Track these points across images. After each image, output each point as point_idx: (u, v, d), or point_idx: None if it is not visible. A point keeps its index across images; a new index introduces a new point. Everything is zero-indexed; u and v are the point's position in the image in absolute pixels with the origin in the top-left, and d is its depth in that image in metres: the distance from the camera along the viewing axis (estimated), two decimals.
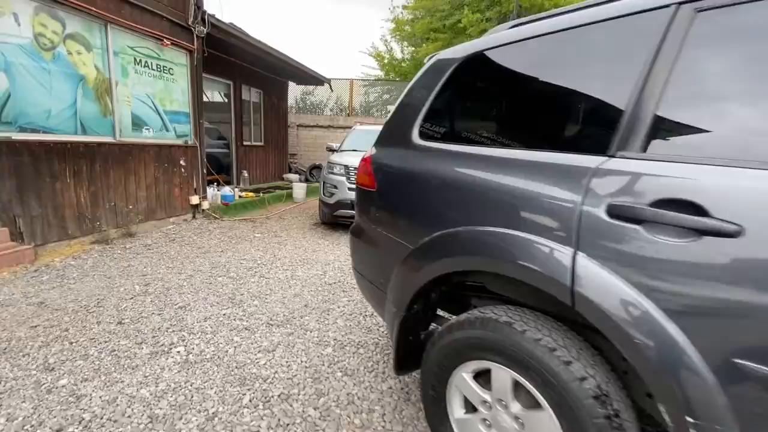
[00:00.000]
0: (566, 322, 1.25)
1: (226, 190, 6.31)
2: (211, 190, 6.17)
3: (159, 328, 2.57)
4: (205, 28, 5.58)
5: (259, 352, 2.35)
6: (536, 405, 1.22)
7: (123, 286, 3.26)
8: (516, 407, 1.27)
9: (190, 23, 5.41)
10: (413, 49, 22.96)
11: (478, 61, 1.54)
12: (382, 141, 1.92)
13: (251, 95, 8.62)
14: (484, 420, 1.39)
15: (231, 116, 7.93)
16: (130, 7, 4.56)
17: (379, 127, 8.16)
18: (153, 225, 5.12)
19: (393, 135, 1.85)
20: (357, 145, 6.41)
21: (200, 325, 2.64)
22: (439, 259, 1.41)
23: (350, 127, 12.13)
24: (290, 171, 11.01)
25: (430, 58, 1.92)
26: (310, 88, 12.64)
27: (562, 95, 1.28)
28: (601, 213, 1.04)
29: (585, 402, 1.05)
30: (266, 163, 9.50)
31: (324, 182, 5.58)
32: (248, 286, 3.37)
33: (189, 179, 5.67)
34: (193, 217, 5.80)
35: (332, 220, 5.63)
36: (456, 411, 1.49)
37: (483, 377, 1.41)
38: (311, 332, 2.63)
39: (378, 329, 2.72)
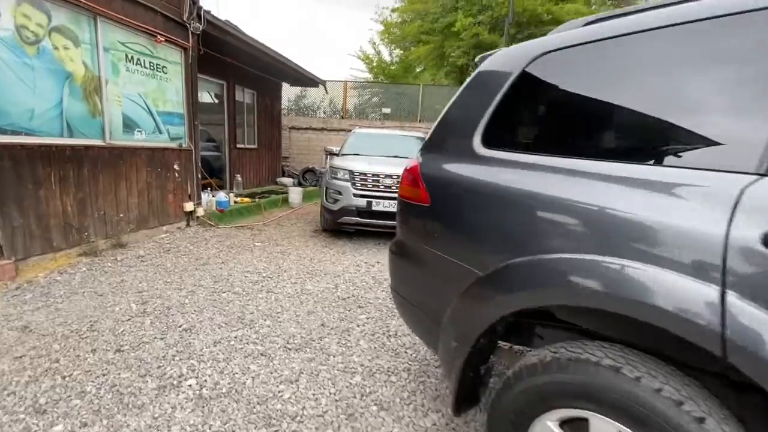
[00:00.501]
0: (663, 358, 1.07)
1: (221, 195, 6.00)
2: (205, 196, 5.85)
3: (164, 356, 2.29)
4: (200, 24, 5.28)
5: (280, 383, 2.10)
6: None
7: (118, 305, 2.95)
8: None
9: (185, 19, 5.10)
10: (401, 52, 22.95)
11: (561, 58, 1.35)
12: (430, 149, 1.71)
13: (245, 96, 8.30)
14: None
15: (224, 118, 7.60)
16: (122, 0, 4.24)
17: (380, 131, 8.04)
18: (145, 234, 4.77)
19: (446, 143, 1.64)
20: (359, 148, 6.20)
21: (210, 351, 2.38)
22: (526, 290, 1.21)
23: (345, 130, 11.91)
24: (284, 174, 10.70)
25: (483, 58, 1.73)
26: (303, 90, 12.35)
27: (686, 100, 1.09)
28: (756, 243, 0.86)
29: None
30: (260, 166, 9.18)
31: (327, 188, 5.34)
32: (256, 303, 3.11)
33: (183, 185, 5.34)
34: (188, 224, 5.47)
35: (335, 227, 5.39)
36: None
37: (571, 424, 1.22)
38: (334, 357, 2.39)
39: (406, 352, 2.50)
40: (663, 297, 0.94)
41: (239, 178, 7.76)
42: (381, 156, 6.01)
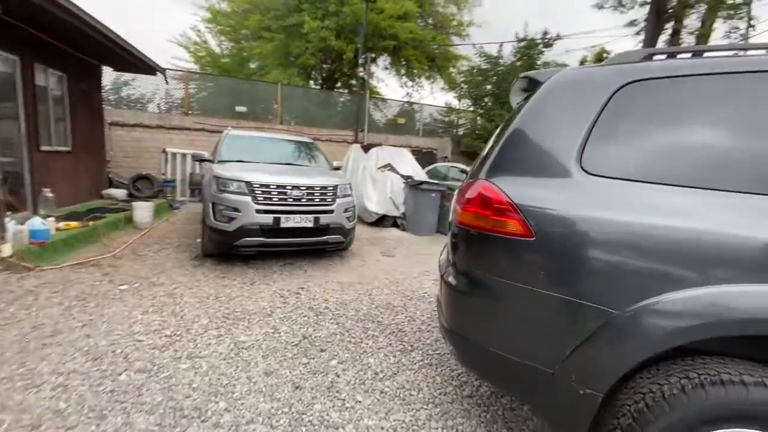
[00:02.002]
0: None
1: (36, 222, 4.09)
2: (10, 225, 3.87)
3: None
4: None
5: None
6: None
7: None
8: None
9: None
10: (234, 44, 21.04)
11: (659, 86, 1.34)
12: (509, 172, 1.49)
13: (49, 80, 5.93)
14: None
15: (18, 109, 5.24)
16: None
17: (262, 134, 7.25)
18: None
19: (537, 167, 1.45)
20: (240, 154, 5.28)
21: None
22: (701, 323, 1.16)
23: (190, 129, 10.08)
24: (111, 185, 8.24)
25: (535, 76, 1.63)
26: (128, 77, 9.76)
27: None
28: None
29: None
30: (77, 175, 6.77)
31: (214, 204, 4.31)
32: (185, 380, 2.20)
33: None
34: None
35: (228, 251, 4.42)
36: None
37: None
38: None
39: (412, 394, 2.19)
40: None
41: (48, 194, 5.50)
42: (273, 164, 5.27)
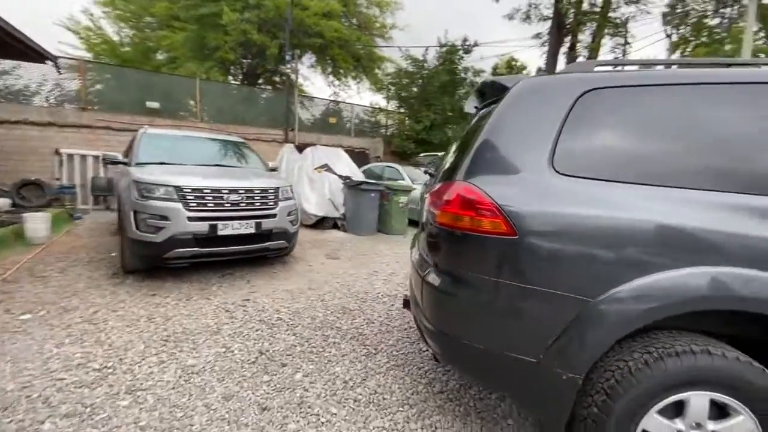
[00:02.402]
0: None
1: None
2: None
3: None
4: None
5: None
6: (727, 414, 1.37)
7: None
8: (712, 424, 1.38)
9: None
10: (137, 33, 18.95)
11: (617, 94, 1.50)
12: (488, 172, 1.54)
13: None
14: None
15: None
16: None
17: (185, 133, 6.79)
18: None
19: (511, 167, 1.52)
20: (163, 155, 4.75)
21: None
22: (670, 303, 1.32)
23: (90, 127, 8.83)
24: None
25: (496, 81, 1.73)
26: (8, 65, 8.13)
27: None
28: None
29: None
30: None
31: (136, 212, 3.81)
32: (128, 419, 1.90)
33: None
34: None
35: (155, 264, 3.96)
36: None
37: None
38: None
39: (391, 396, 2.17)
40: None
41: None
42: (203, 165, 4.83)
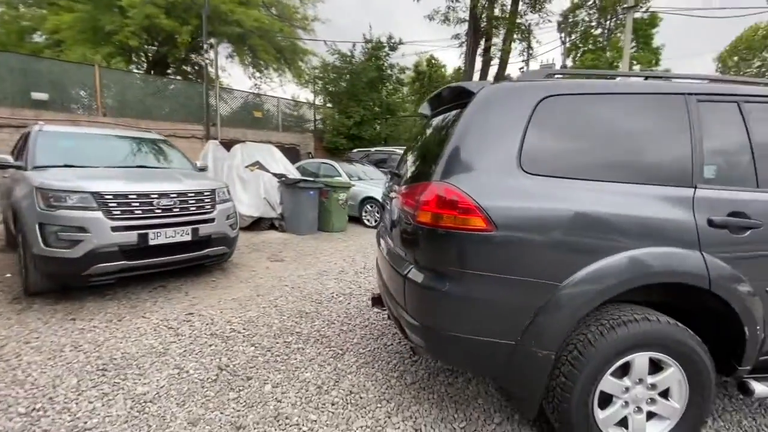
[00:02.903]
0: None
1: None
2: None
3: None
4: None
5: None
6: (660, 369, 1.67)
7: None
8: (650, 378, 1.67)
9: None
10: (6, 9, 15.97)
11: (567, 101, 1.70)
12: (464, 172, 1.63)
13: None
14: (625, 403, 1.69)
15: None
16: None
17: (89, 130, 6.21)
18: None
19: (482, 167, 1.64)
20: (68, 157, 4.11)
21: None
22: (622, 280, 1.54)
23: None
24: None
25: (457, 87, 1.87)
26: None
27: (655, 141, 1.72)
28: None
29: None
30: None
31: (42, 224, 3.26)
32: None
33: None
34: None
35: (70, 283, 3.45)
36: (599, 414, 1.68)
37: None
38: None
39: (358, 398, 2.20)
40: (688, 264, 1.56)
41: None
42: (121, 167, 4.30)
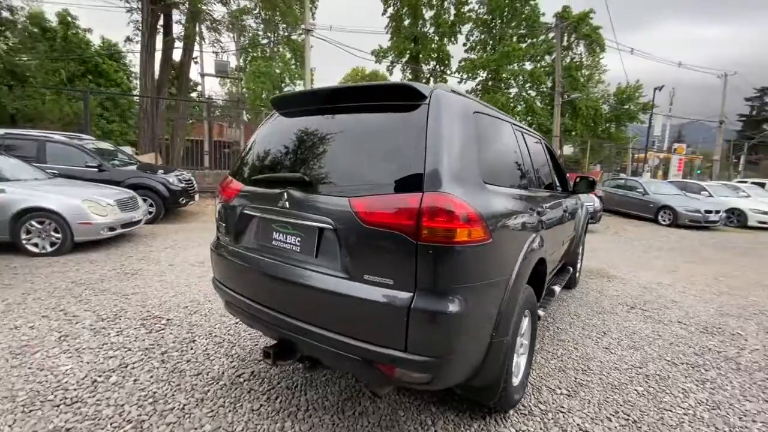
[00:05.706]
0: None
1: None
2: None
3: None
4: None
5: None
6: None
7: None
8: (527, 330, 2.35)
9: None
10: None
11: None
12: (454, 182, 1.57)
13: None
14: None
15: None
16: None
17: None
18: None
19: (464, 177, 1.64)
20: None
21: None
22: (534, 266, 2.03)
23: None
24: None
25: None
26: None
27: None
28: None
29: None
30: None
31: None
32: None
33: None
34: None
35: None
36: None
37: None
38: None
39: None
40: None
41: None
42: None
